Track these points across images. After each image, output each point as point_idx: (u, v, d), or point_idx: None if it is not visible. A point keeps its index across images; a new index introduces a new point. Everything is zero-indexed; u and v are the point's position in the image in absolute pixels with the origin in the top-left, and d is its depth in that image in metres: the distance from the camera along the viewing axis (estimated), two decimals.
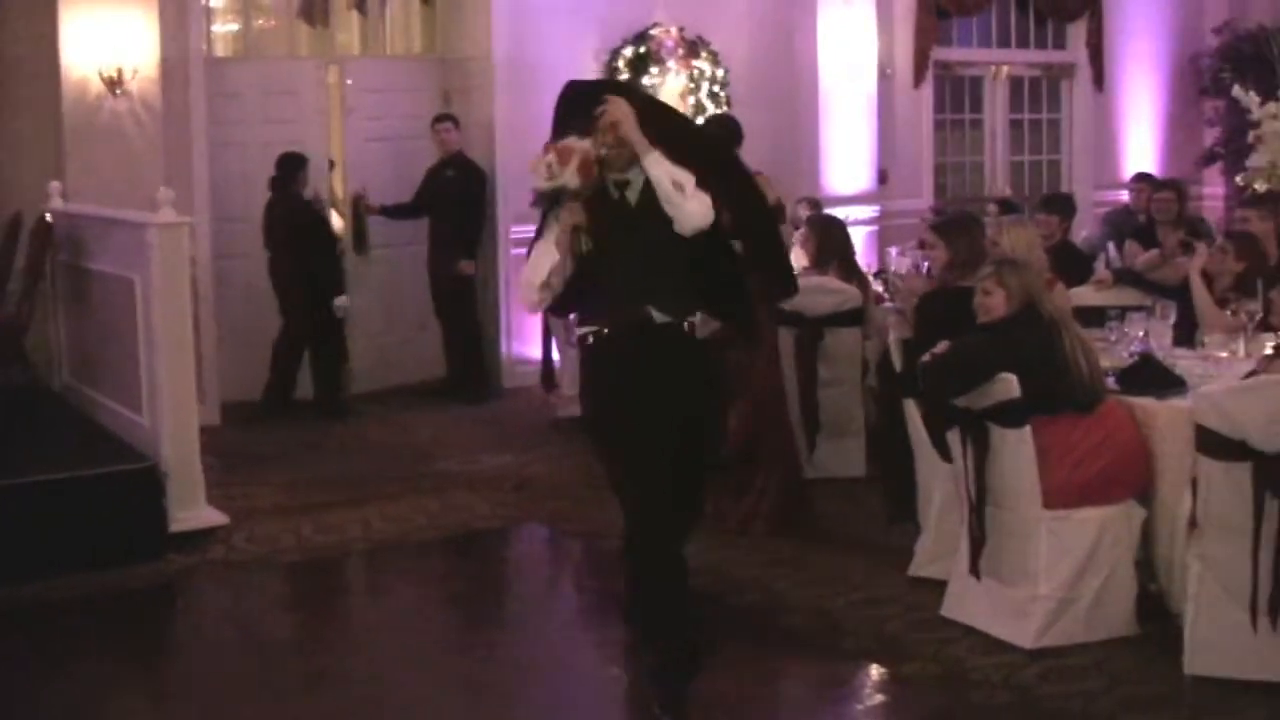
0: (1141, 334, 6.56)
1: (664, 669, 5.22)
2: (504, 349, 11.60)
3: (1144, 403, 5.93)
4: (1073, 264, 8.98)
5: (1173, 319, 6.80)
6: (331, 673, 5.98)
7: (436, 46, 12.13)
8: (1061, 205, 9.78)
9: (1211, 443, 5.28)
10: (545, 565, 7.89)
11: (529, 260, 5.47)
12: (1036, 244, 7.31)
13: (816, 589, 6.60)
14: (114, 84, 9.76)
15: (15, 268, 9.55)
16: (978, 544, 5.93)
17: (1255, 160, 8.44)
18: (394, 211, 11.32)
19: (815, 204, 10.85)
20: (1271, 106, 8.34)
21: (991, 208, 11.17)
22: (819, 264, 8.71)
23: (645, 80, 11.68)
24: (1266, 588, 5.21)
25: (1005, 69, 14.36)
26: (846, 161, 12.42)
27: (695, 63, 11.95)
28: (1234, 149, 13.77)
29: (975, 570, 6.01)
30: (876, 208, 12.81)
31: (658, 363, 5.25)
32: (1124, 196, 13.13)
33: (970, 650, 5.81)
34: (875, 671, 5.76)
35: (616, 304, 5.30)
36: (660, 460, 5.22)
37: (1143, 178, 11.52)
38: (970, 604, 6.04)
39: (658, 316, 5.26)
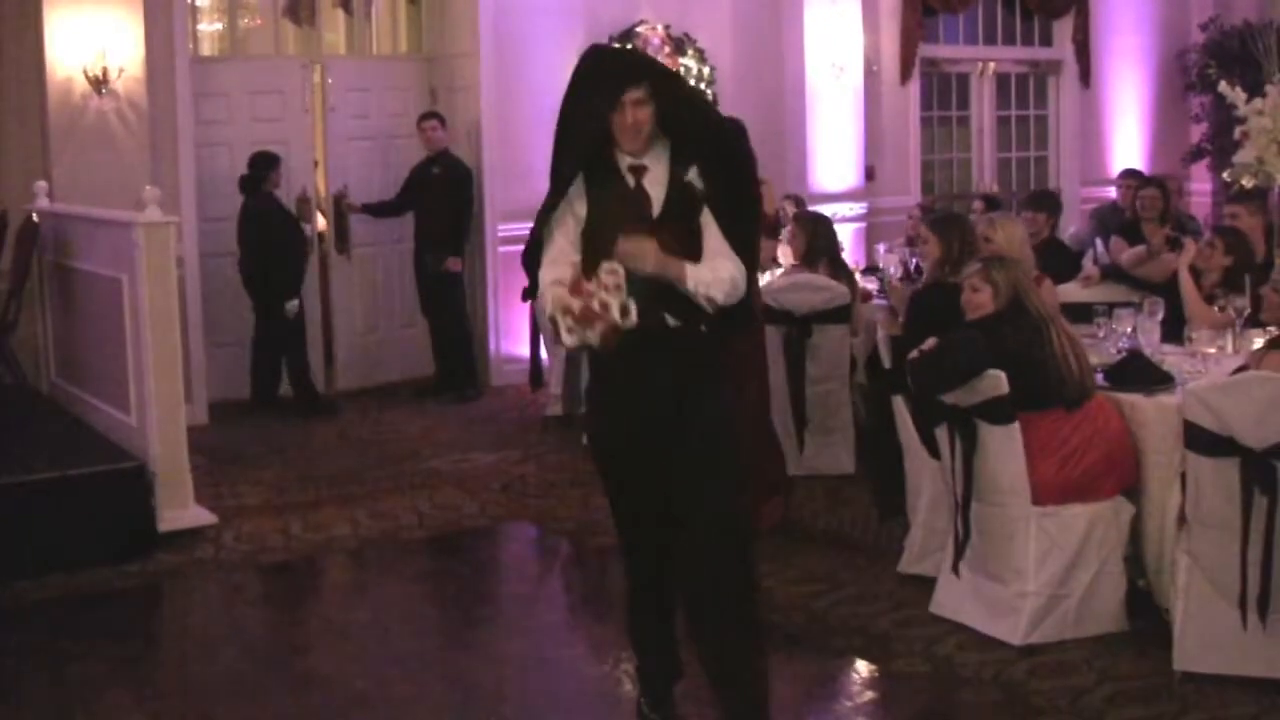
0: (1129, 330, 6.58)
1: None
2: (492, 347, 11.61)
3: (1132, 399, 5.94)
4: (1060, 261, 9.00)
5: (1160, 315, 6.81)
6: (320, 671, 5.97)
7: (423, 45, 12.13)
8: (1047, 202, 9.80)
9: (1200, 439, 5.29)
10: (534, 563, 7.88)
11: (543, 287, 4.78)
12: (1026, 240, 7.34)
13: (805, 586, 6.60)
14: (99, 83, 9.73)
15: (1, 268, 9.53)
16: (961, 541, 5.95)
17: (1241, 156, 8.43)
18: (376, 209, 11.35)
19: (799, 201, 10.87)
20: (1257, 103, 8.32)
21: (977, 204, 11.22)
22: (807, 261, 8.71)
23: None
24: (1255, 584, 5.22)
25: (992, 66, 14.39)
26: (833, 158, 12.45)
27: (682, 60, 11.95)
28: (1220, 145, 13.83)
29: (956, 568, 6.03)
30: (863, 205, 12.84)
31: (672, 369, 4.69)
32: (1111, 193, 13.16)
33: (959, 647, 5.81)
34: (864, 669, 5.76)
35: None
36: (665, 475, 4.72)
37: (1130, 174, 11.54)
38: (959, 601, 6.04)
39: (671, 321, 4.68)
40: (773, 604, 6.36)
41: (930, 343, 5.95)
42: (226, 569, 7.29)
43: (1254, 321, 6.76)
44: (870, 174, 13.06)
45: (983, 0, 14.08)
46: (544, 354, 10.15)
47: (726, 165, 4.79)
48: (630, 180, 4.74)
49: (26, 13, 9.78)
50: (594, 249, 4.64)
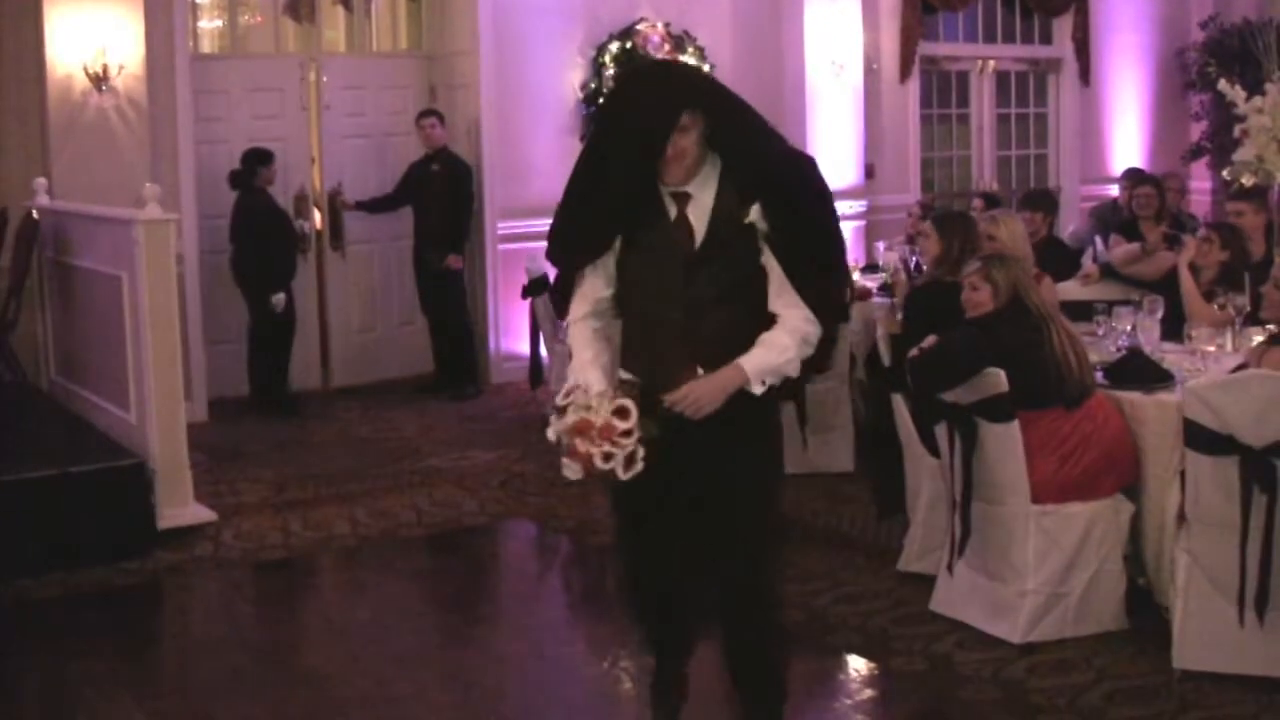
0: (1129, 328, 6.57)
1: None
2: (492, 344, 11.62)
3: (1132, 397, 5.93)
4: (1059, 259, 8.99)
5: (1160, 313, 6.81)
6: (320, 669, 5.97)
7: (423, 42, 12.13)
8: (1043, 202, 9.79)
9: (1199, 437, 5.29)
10: (533, 561, 7.88)
11: (570, 320, 4.49)
12: (1026, 237, 7.35)
13: (804, 584, 6.60)
14: (99, 80, 9.73)
15: (1, 265, 9.53)
16: (958, 539, 5.95)
17: (1241, 154, 8.42)
18: (370, 205, 11.36)
19: None
20: (1257, 101, 8.31)
21: (976, 202, 11.21)
22: None
23: None
24: (1254, 582, 5.22)
25: (991, 64, 14.38)
26: (833, 156, 12.42)
27: (681, 58, 11.93)
28: (1220, 143, 13.82)
29: (951, 567, 6.03)
30: (863, 202, 12.84)
31: (707, 434, 4.20)
32: (1110, 191, 13.18)
33: (959, 645, 5.82)
34: (864, 667, 5.76)
35: (657, 355, 4.26)
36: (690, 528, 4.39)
37: (1132, 173, 11.55)
38: (959, 599, 6.04)
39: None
40: None
41: (930, 341, 5.95)
42: (226, 567, 7.29)
43: (1254, 319, 6.76)
44: (870, 172, 13.06)
45: None
46: (544, 352, 10.14)
47: (793, 203, 4.24)
48: (672, 210, 4.26)
49: (26, 10, 9.77)
50: (628, 284, 4.30)
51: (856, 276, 9.11)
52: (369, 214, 11.42)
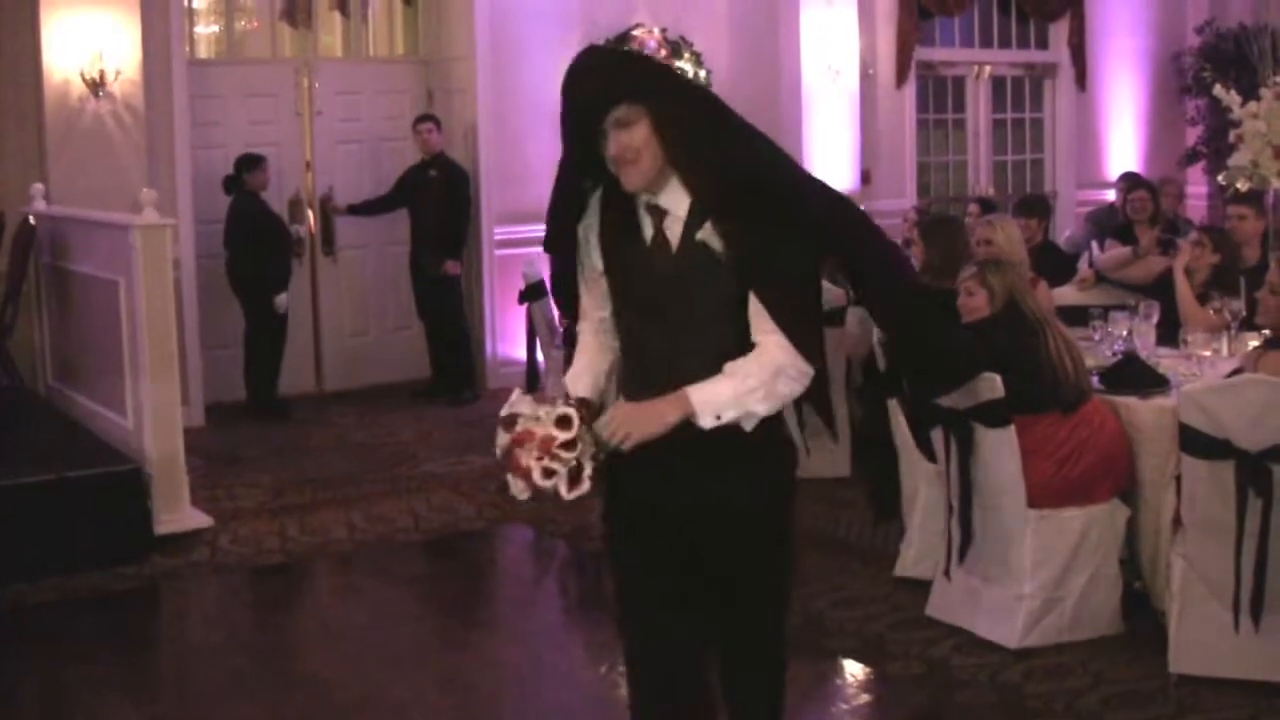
0: (1125, 333, 6.59)
1: None
2: (489, 349, 11.62)
3: (1128, 401, 5.94)
4: (1055, 264, 9.01)
5: (1156, 318, 6.82)
6: (317, 674, 5.97)
7: (419, 47, 12.14)
8: (1038, 207, 9.78)
9: (1195, 441, 5.29)
10: (530, 566, 7.89)
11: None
12: (1022, 241, 7.36)
13: (800, 589, 6.58)
14: (96, 86, 9.73)
15: None
16: (955, 544, 5.95)
17: (1237, 159, 8.43)
18: (363, 208, 11.36)
19: None
20: (1253, 106, 8.32)
21: (973, 207, 11.22)
22: None
23: None
24: (1249, 586, 5.22)
25: (987, 68, 14.39)
26: (829, 161, 12.42)
27: (678, 64, 11.94)
28: (1215, 148, 13.84)
29: (947, 571, 6.04)
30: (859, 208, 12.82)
31: (700, 468, 3.75)
32: (1107, 195, 13.20)
33: (955, 650, 5.82)
34: (860, 671, 5.76)
35: (646, 380, 3.70)
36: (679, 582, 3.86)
37: (1127, 177, 11.56)
38: (955, 604, 6.05)
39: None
40: None
41: None
42: (223, 572, 7.29)
43: (1249, 324, 6.77)
44: (866, 177, 13.05)
45: (978, 3, 14.08)
46: (540, 357, 10.15)
47: (743, 222, 3.58)
48: (649, 227, 3.67)
49: (23, 15, 9.77)
50: (617, 305, 3.78)
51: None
52: (362, 218, 11.43)
